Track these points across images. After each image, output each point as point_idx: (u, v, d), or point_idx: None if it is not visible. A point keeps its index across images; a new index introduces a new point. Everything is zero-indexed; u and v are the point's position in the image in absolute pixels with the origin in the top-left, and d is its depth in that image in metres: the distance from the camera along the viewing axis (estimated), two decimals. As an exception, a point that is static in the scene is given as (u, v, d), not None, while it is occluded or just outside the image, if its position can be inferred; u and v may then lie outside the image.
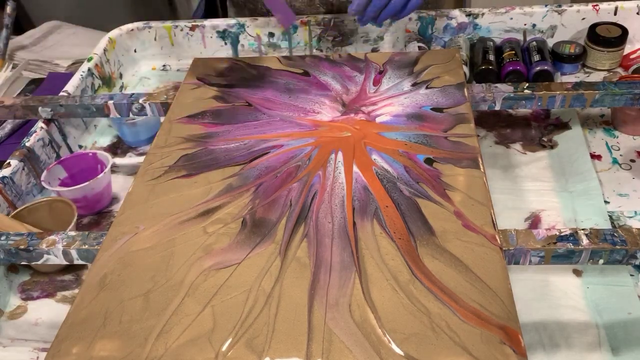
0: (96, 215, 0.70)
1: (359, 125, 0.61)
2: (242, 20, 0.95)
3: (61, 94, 0.81)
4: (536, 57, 0.82)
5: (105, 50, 0.93)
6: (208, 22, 0.96)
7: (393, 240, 0.47)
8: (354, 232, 0.48)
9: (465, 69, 0.82)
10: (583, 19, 0.88)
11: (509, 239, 0.48)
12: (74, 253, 0.53)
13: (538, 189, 0.67)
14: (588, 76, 0.86)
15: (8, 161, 0.70)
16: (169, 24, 0.98)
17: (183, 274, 0.46)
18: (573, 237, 0.48)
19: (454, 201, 0.51)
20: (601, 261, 0.48)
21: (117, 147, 0.82)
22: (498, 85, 0.68)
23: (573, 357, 0.50)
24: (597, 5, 0.88)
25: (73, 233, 0.54)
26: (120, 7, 1.80)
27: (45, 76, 1.03)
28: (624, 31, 0.84)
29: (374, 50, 0.94)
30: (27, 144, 0.73)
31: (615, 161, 0.70)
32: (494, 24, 0.90)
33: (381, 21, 0.77)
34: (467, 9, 0.90)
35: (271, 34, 0.95)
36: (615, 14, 0.88)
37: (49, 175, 0.70)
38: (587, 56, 0.86)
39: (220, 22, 0.95)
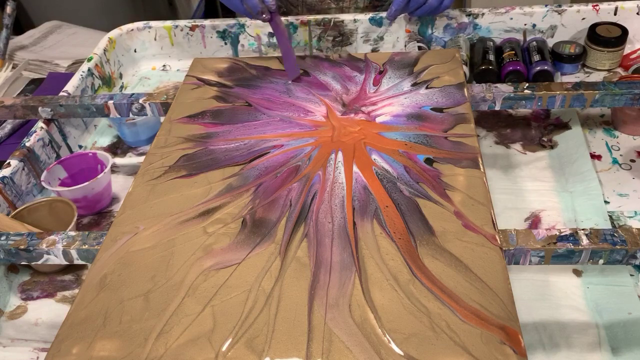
0: (96, 215, 0.70)
1: (359, 125, 0.61)
2: (242, 20, 0.95)
3: (61, 94, 0.81)
4: (536, 57, 0.82)
5: (105, 50, 0.93)
6: (208, 22, 0.96)
7: (393, 240, 0.47)
8: (354, 232, 0.48)
9: (465, 69, 0.82)
10: (583, 19, 0.88)
11: (509, 239, 0.48)
12: (74, 253, 0.53)
13: (538, 189, 0.67)
14: (588, 76, 0.86)
15: (8, 161, 0.70)
16: (169, 24, 0.98)
17: (183, 274, 0.46)
18: (573, 237, 0.48)
19: (454, 201, 0.51)
20: (601, 261, 0.48)
21: (117, 147, 0.82)
22: (498, 85, 0.68)
23: (573, 357, 0.50)
24: (597, 5, 0.88)
25: (73, 233, 0.54)
26: (120, 7, 1.80)
27: (45, 76, 1.03)
28: (624, 31, 0.84)
29: (374, 50, 0.94)
30: (27, 144, 0.73)
31: (615, 161, 0.70)
32: (494, 24, 0.90)
33: (416, 16, 0.86)
34: (467, 9, 0.90)
35: (271, 34, 0.95)
36: (615, 14, 0.88)
37: (49, 175, 0.70)
38: (587, 56, 0.86)
39: (220, 22, 0.95)
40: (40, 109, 0.74)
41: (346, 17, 0.92)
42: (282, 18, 0.90)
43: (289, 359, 0.39)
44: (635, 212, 0.62)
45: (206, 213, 0.52)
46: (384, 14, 0.91)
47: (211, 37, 0.97)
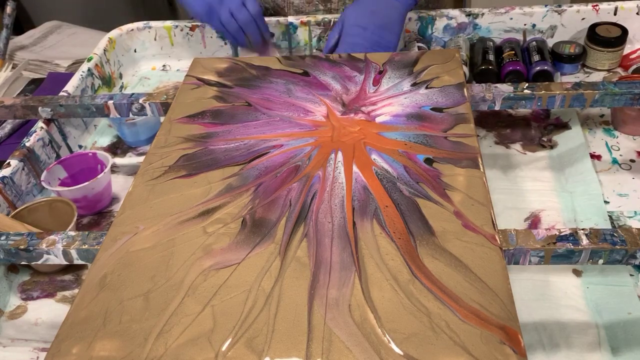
0: (96, 215, 0.71)
1: (358, 125, 0.61)
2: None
3: (61, 94, 0.81)
4: (536, 57, 0.82)
5: (105, 50, 0.94)
6: (208, 22, 0.96)
7: (393, 240, 0.47)
8: (354, 232, 0.48)
9: (465, 69, 0.82)
10: (583, 19, 0.88)
11: (508, 239, 0.48)
12: (74, 253, 0.53)
13: (538, 189, 0.67)
14: (588, 76, 0.86)
15: (8, 161, 0.70)
16: (169, 24, 0.98)
17: (183, 274, 0.46)
18: (573, 237, 0.48)
19: (453, 201, 0.51)
20: (601, 261, 0.48)
21: (117, 147, 0.82)
22: (498, 85, 0.68)
23: (573, 357, 0.50)
24: (597, 5, 0.88)
25: (73, 233, 0.54)
26: (120, 7, 1.80)
27: (45, 76, 1.03)
28: (624, 31, 0.84)
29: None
30: (27, 144, 0.73)
31: (615, 161, 0.70)
32: (494, 24, 0.90)
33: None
34: (467, 9, 0.90)
35: (271, 34, 0.94)
36: (615, 14, 0.88)
37: (49, 175, 0.70)
38: (587, 56, 0.86)
39: (220, 22, 0.95)
40: (40, 109, 0.74)
41: (346, 17, 0.92)
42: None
43: (288, 359, 0.39)
44: (635, 212, 0.62)
45: (206, 213, 0.52)
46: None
47: (211, 37, 0.97)
